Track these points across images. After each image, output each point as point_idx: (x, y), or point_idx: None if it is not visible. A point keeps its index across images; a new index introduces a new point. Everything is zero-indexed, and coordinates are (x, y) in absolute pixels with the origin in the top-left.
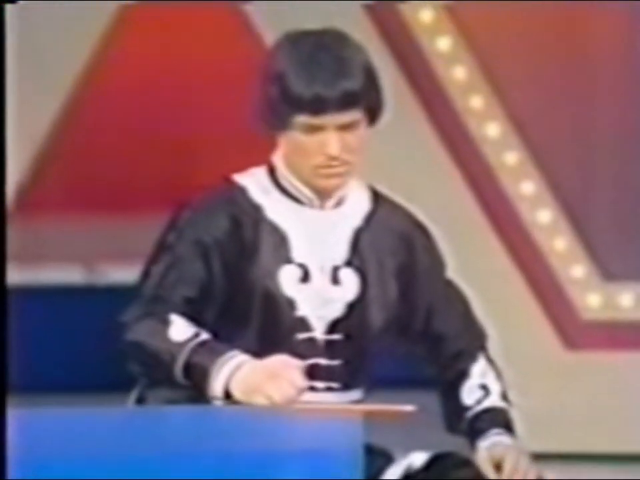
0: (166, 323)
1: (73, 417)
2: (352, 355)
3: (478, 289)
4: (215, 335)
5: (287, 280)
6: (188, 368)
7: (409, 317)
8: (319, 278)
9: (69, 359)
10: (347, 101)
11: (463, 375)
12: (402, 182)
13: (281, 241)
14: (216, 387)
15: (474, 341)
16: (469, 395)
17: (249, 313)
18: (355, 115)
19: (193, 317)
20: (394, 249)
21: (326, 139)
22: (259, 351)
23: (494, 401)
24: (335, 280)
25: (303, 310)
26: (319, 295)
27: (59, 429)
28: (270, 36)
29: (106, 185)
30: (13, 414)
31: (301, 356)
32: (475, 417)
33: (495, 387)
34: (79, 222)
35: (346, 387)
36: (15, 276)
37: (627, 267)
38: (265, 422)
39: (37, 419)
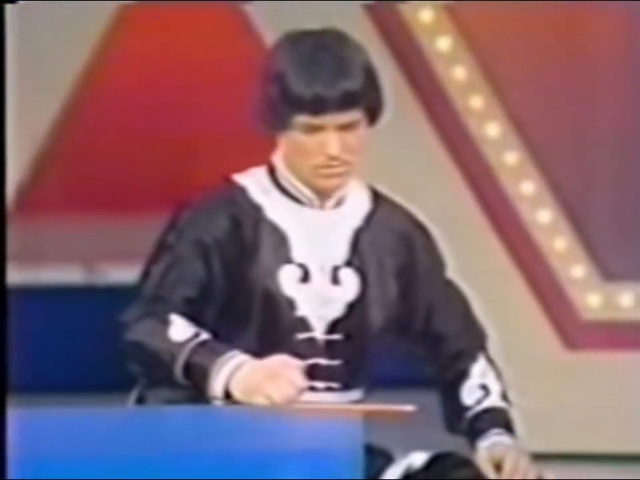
0: (166, 323)
1: (72, 416)
2: (352, 355)
3: (478, 289)
4: (215, 335)
5: (286, 280)
6: (188, 368)
7: (409, 316)
8: (319, 278)
9: (69, 359)
10: (347, 101)
11: (462, 374)
12: (402, 182)
13: (280, 240)
14: (216, 386)
15: (474, 341)
16: (469, 394)
17: (248, 313)
18: (355, 115)
19: (193, 317)
20: (394, 248)
21: (326, 139)
22: (259, 351)
23: (494, 400)
24: (335, 280)
25: (303, 310)
26: (319, 294)
27: (59, 429)
28: (270, 36)
29: (106, 185)
30: (13, 414)
31: (300, 356)
32: (474, 416)
33: (494, 387)
34: (79, 222)
35: (346, 387)
36: (15, 276)
37: (627, 267)
38: (265, 422)
39: (37, 419)
